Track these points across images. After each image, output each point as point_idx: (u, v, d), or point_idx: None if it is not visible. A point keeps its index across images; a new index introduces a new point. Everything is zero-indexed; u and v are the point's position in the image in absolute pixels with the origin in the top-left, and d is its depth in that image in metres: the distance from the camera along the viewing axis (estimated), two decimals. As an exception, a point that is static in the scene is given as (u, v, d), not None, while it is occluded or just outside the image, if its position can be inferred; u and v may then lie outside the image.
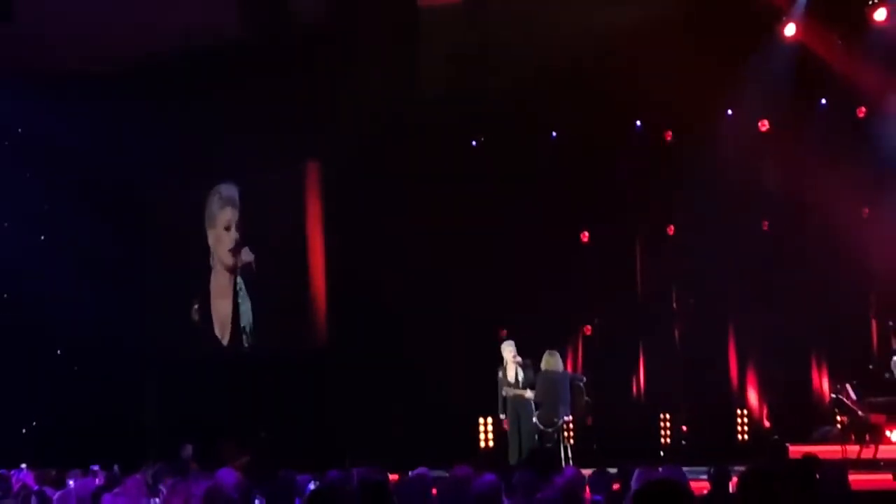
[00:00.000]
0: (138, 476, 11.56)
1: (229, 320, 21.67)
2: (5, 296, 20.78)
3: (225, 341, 21.70)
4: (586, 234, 21.28)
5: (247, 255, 21.67)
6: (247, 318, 21.63)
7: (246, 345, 21.70)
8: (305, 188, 21.75)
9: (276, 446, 19.65)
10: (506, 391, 17.86)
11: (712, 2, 19.25)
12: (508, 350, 17.93)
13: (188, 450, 18.67)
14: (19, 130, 20.82)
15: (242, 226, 21.72)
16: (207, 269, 21.93)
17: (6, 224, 20.76)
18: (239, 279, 21.68)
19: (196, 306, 21.79)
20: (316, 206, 21.70)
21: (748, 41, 19.72)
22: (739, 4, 19.24)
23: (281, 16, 18.66)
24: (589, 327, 21.36)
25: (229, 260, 21.74)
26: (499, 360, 18.01)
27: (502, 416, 18.00)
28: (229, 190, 21.83)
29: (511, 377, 17.82)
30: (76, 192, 20.60)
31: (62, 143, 20.22)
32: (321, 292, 21.63)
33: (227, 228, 21.71)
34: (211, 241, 21.83)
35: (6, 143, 20.93)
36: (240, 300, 21.61)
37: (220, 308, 21.81)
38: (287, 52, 20.15)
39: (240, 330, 21.65)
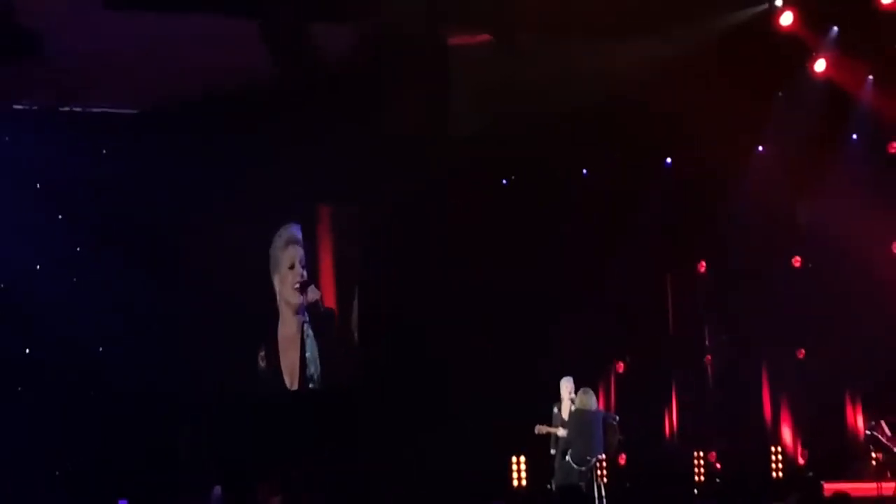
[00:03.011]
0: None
1: (297, 368, 21.44)
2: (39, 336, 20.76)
3: (293, 388, 21.49)
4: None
5: (313, 294, 21.49)
6: (314, 365, 21.43)
7: (311, 386, 21.53)
8: (317, 231, 21.76)
9: (309, 486, 19.57)
10: (537, 428, 17.77)
11: (741, 39, 19.19)
12: (566, 387, 17.74)
13: (217, 491, 18.61)
14: (50, 172, 20.77)
15: (308, 264, 21.58)
16: (270, 315, 21.67)
17: (38, 267, 20.72)
18: (307, 326, 21.48)
19: (262, 353, 21.58)
20: (327, 249, 21.65)
21: (778, 78, 19.74)
22: (769, 42, 19.21)
23: (308, 58, 18.63)
24: (622, 363, 21.30)
25: (295, 299, 21.51)
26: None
27: (553, 452, 17.77)
28: (292, 229, 21.71)
29: (565, 414, 17.68)
30: (108, 234, 20.56)
31: (92, 184, 20.21)
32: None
33: (292, 267, 21.54)
34: (276, 285, 21.64)
35: (38, 185, 20.91)
36: (307, 349, 21.41)
37: (289, 357, 21.58)
38: (314, 94, 20.18)
39: (307, 378, 21.45)
